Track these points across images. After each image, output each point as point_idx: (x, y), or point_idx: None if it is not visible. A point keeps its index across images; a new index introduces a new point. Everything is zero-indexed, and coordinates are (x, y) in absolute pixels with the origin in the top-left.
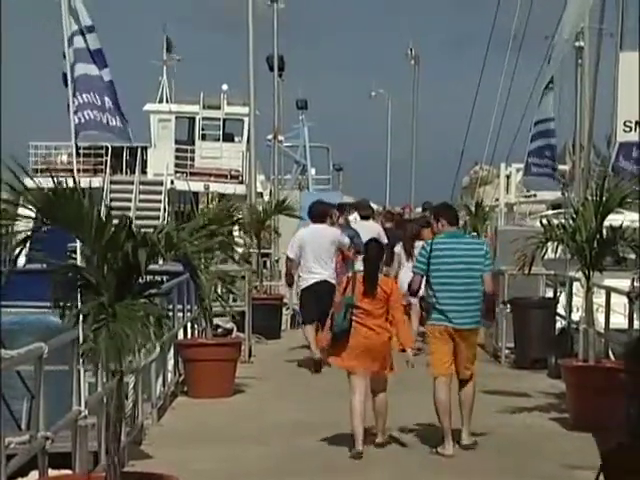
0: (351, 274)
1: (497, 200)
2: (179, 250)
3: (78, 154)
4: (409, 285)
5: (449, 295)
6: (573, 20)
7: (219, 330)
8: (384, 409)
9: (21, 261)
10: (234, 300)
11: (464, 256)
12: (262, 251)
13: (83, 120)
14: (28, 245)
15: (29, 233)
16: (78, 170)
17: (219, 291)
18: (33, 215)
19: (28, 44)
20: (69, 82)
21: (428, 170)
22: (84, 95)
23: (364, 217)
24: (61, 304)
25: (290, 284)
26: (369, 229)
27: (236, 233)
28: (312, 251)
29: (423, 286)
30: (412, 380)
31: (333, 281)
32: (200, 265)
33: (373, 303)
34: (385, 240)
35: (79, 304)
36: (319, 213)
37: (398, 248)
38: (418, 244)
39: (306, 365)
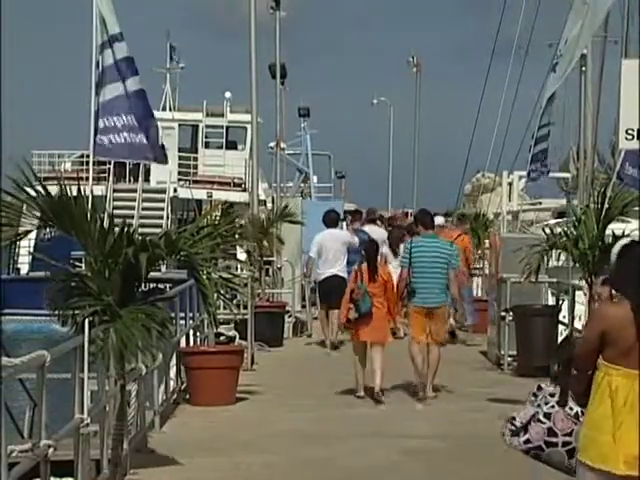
0: (357, 267)
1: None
2: (181, 252)
3: (81, 162)
4: (400, 275)
5: (423, 281)
6: (588, 32)
7: (221, 338)
8: (379, 369)
9: (24, 269)
10: (238, 305)
11: (434, 253)
12: (264, 259)
13: (107, 142)
14: (31, 253)
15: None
16: (81, 178)
17: (222, 299)
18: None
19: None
20: (93, 90)
21: (431, 177)
22: (113, 118)
23: (371, 221)
24: (60, 311)
25: (308, 277)
26: (376, 231)
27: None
28: (328, 250)
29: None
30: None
31: (343, 274)
32: (203, 269)
33: (375, 286)
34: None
35: (81, 310)
36: (332, 219)
37: (385, 249)
38: (384, 249)
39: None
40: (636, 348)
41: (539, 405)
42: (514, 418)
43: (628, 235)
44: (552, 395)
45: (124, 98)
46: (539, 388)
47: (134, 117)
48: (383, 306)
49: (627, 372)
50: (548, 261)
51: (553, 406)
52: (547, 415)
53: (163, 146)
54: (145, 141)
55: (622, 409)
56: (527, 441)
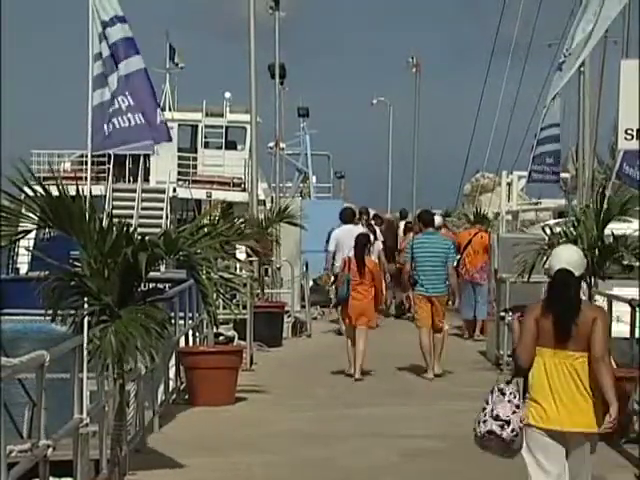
0: (347, 258)
1: (500, 208)
2: (180, 252)
3: (81, 162)
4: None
5: (425, 273)
6: (600, 29)
7: (221, 338)
8: (362, 352)
9: (23, 269)
10: (237, 305)
11: (434, 248)
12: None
13: (112, 128)
14: (30, 250)
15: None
16: (80, 178)
17: (221, 299)
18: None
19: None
20: (90, 83)
21: (430, 177)
22: (118, 99)
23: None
24: (58, 311)
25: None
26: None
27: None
28: (345, 244)
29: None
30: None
31: None
32: (202, 268)
33: (362, 276)
34: (381, 237)
35: (79, 309)
36: (348, 216)
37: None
38: (377, 243)
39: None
40: (555, 333)
41: (510, 400)
42: (498, 415)
43: (628, 235)
44: (518, 391)
45: (122, 79)
46: (500, 390)
47: (131, 97)
48: (369, 293)
49: (553, 351)
50: (545, 261)
51: (520, 399)
52: (518, 406)
53: (165, 123)
54: (143, 121)
55: (555, 380)
56: (512, 430)
